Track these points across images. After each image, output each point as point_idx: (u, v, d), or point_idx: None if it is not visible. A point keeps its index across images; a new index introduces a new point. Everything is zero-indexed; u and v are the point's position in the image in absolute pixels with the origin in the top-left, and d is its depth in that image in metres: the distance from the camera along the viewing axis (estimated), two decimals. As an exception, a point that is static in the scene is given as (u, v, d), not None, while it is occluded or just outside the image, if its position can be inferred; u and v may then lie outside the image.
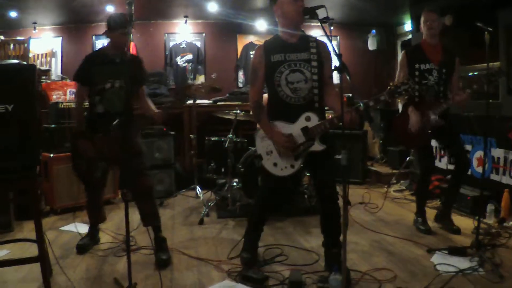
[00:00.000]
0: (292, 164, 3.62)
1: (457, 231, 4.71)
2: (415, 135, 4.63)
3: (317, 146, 3.54)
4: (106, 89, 4.14)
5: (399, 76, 4.71)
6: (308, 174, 5.73)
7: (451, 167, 5.68)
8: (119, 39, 4.13)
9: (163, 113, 4.19)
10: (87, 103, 4.29)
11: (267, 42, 3.75)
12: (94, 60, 4.23)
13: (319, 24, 3.13)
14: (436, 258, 4.01)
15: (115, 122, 3.76)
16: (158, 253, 4.07)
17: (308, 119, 3.54)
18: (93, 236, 4.57)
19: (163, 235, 4.24)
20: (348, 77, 2.89)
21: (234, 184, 5.72)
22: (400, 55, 9.25)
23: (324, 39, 3.53)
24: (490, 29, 4.04)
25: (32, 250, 4.10)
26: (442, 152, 6.37)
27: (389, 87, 3.41)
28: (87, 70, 4.17)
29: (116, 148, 3.85)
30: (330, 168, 3.65)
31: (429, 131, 4.65)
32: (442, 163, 6.36)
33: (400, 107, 9.21)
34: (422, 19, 4.75)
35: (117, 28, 4.09)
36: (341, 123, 3.24)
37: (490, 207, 5.08)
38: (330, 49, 3.50)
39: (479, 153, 5.59)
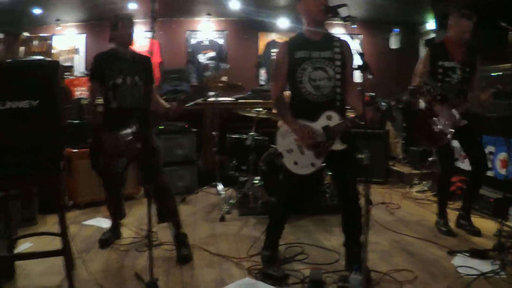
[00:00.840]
0: (313, 162, 3.60)
1: (477, 232, 4.65)
2: (437, 134, 4.57)
3: (338, 145, 3.53)
4: (117, 84, 4.16)
5: (421, 73, 4.68)
6: (329, 173, 5.71)
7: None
8: (122, 32, 4.18)
9: (177, 107, 4.15)
10: (101, 99, 4.31)
11: (291, 39, 3.76)
12: (104, 57, 4.27)
13: (340, 22, 3.13)
14: (457, 260, 3.97)
15: (130, 131, 3.96)
16: (179, 249, 4.10)
17: (329, 118, 3.53)
18: (115, 231, 4.61)
19: (184, 231, 4.26)
20: (370, 76, 2.89)
21: (256, 181, 5.72)
22: (422, 53, 9.30)
23: (347, 37, 3.54)
24: None
25: (55, 243, 4.15)
26: (464, 153, 6.29)
27: (411, 87, 3.39)
28: (98, 67, 4.22)
29: (134, 144, 3.94)
30: (351, 167, 3.64)
31: (452, 131, 4.56)
32: (466, 164, 6.27)
33: (422, 106, 9.19)
34: (456, 24, 4.58)
35: (117, 22, 4.17)
36: (362, 122, 3.25)
37: (513, 209, 5.02)
38: (352, 47, 3.50)
39: (502, 155, 5.51)
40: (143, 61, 4.35)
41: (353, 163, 3.66)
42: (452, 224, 4.86)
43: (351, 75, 3.68)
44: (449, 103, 4.55)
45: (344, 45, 3.63)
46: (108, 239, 4.49)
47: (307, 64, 3.57)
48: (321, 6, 3.45)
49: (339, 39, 3.66)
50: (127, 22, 4.23)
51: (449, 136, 4.57)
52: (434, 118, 4.59)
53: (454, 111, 4.52)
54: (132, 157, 4.18)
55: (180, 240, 4.18)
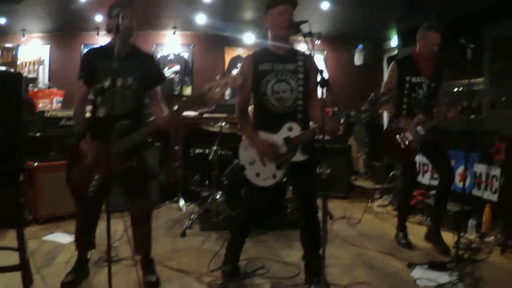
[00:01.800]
0: (274, 174, 3.63)
1: (447, 251, 4.56)
2: (404, 150, 4.59)
3: (299, 156, 3.57)
4: (105, 88, 3.58)
5: (388, 87, 4.65)
6: (291, 187, 5.74)
7: (434, 182, 5.73)
8: (120, 23, 3.41)
9: (168, 117, 3.54)
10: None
11: (255, 52, 3.83)
12: (94, 55, 3.71)
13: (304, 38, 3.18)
14: (416, 273, 4.03)
15: (117, 126, 3.47)
16: (146, 275, 3.77)
17: (290, 129, 3.58)
18: (81, 268, 3.89)
19: (152, 256, 3.96)
20: (329, 93, 2.95)
21: (218, 196, 5.72)
22: (386, 69, 9.44)
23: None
24: (472, 45, 4.11)
25: (14, 258, 4.07)
26: (425, 167, 6.39)
27: (370, 97, 3.42)
28: (87, 66, 3.68)
29: (117, 159, 3.41)
30: (311, 180, 3.68)
31: (418, 146, 4.58)
32: (426, 178, 6.39)
33: (385, 122, 9.31)
34: (424, 37, 4.61)
35: (113, 11, 3.58)
36: (322, 134, 3.29)
37: (471, 222, 5.13)
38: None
39: (461, 168, 5.63)
40: (142, 59, 3.79)
41: (313, 175, 3.70)
42: (412, 237, 4.92)
43: (315, 89, 3.73)
44: (416, 119, 4.53)
45: (308, 58, 3.68)
46: (73, 281, 3.74)
47: (271, 76, 3.63)
48: (284, 22, 3.52)
49: (303, 53, 3.72)
50: (127, 11, 3.55)
51: (416, 152, 4.65)
52: (401, 134, 4.59)
53: (419, 128, 4.49)
54: (113, 175, 3.45)
55: (148, 265, 3.87)
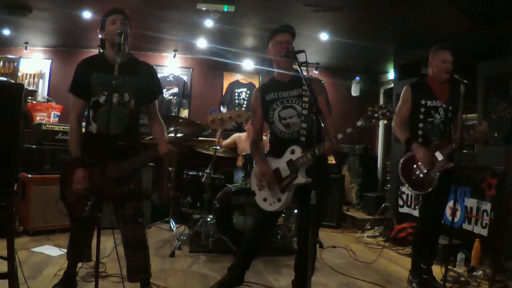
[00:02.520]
0: (278, 198, 3.71)
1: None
2: (422, 179, 4.28)
3: (301, 179, 3.61)
4: (99, 103, 3.38)
5: (402, 111, 4.45)
6: (283, 216, 5.77)
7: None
8: (111, 30, 3.35)
9: (172, 147, 3.37)
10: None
11: (263, 84, 4.02)
12: (88, 66, 3.47)
13: (310, 65, 3.25)
14: (404, 304, 4.04)
15: (113, 148, 3.25)
16: None
17: (292, 152, 3.66)
18: (69, 281, 3.78)
19: (151, 287, 3.75)
20: (322, 122, 3.01)
21: (209, 219, 5.73)
22: (382, 101, 9.51)
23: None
24: (465, 81, 4.10)
25: (2, 267, 4.08)
26: (416, 199, 6.38)
27: (366, 112, 3.34)
28: (81, 79, 3.44)
29: (114, 183, 3.30)
30: (314, 207, 3.68)
31: (438, 174, 4.21)
32: (418, 211, 6.39)
33: (379, 153, 9.37)
34: (435, 57, 4.38)
35: (105, 19, 3.41)
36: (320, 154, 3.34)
37: (460, 255, 5.11)
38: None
39: (451, 202, 5.62)
40: (140, 71, 3.52)
41: (318, 202, 3.70)
42: (402, 268, 4.90)
43: (327, 108, 3.71)
44: (433, 145, 4.29)
45: (314, 81, 3.67)
46: None
47: (277, 104, 3.75)
48: (282, 51, 3.62)
49: (309, 78, 3.73)
50: (118, 17, 3.35)
51: (435, 181, 4.24)
52: (418, 163, 4.31)
53: (438, 153, 4.23)
54: (106, 198, 3.39)
55: None
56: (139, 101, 3.50)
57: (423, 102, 4.35)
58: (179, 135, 3.63)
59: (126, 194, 3.41)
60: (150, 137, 3.81)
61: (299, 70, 3.23)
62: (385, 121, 4.43)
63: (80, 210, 3.26)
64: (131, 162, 3.38)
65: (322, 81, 3.69)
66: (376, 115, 3.34)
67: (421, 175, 4.28)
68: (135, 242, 3.54)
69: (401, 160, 4.47)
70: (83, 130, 3.56)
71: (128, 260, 3.57)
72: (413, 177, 4.35)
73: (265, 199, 3.79)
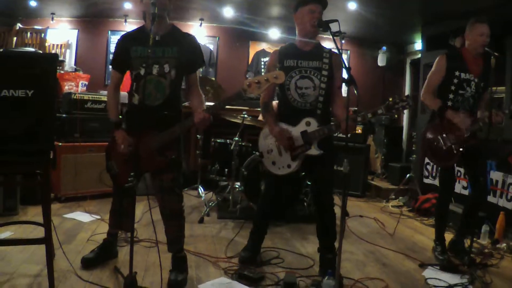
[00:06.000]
0: (289, 164, 3.80)
1: (471, 262, 4.18)
2: (445, 153, 4.33)
3: (314, 151, 3.71)
4: (140, 75, 3.41)
5: (433, 80, 4.44)
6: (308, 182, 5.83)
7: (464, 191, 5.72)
8: (147, 1, 3.26)
9: (209, 116, 3.33)
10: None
11: (282, 47, 3.96)
12: (127, 40, 3.53)
13: (331, 36, 3.26)
14: (428, 273, 4.10)
15: (153, 118, 3.30)
16: (173, 272, 3.57)
17: (308, 124, 3.73)
18: (106, 248, 3.93)
19: (184, 254, 3.74)
20: (355, 91, 3.02)
21: (236, 186, 5.84)
22: (409, 72, 9.45)
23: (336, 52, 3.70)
24: (496, 54, 4.04)
25: (35, 234, 4.23)
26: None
27: (387, 102, 3.49)
28: (120, 53, 3.55)
29: (154, 153, 3.36)
30: (327, 176, 3.84)
31: (461, 150, 4.27)
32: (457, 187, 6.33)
33: (405, 124, 9.34)
34: (474, 31, 4.30)
35: None
36: (340, 133, 3.38)
37: (485, 228, 5.17)
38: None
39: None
40: (181, 42, 3.49)
41: (330, 171, 3.84)
42: (426, 239, 4.94)
43: (340, 87, 3.86)
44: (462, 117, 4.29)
45: (333, 56, 3.80)
46: (94, 258, 3.82)
47: (295, 72, 3.77)
48: (314, 20, 3.63)
49: (329, 51, 3.84)
50: None
51: (458, 155, 4.29)
52: (443, 135, 4.36)
53: (465, 129, 4.24)
54: (146, 169, 3.50)
55: (177, 262, 3.67)
56: (180, 72, 3.49)
57: (457, 73, 4.33)
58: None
59: (165, 164, 3.42)
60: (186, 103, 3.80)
61: (333, 40, 3.22)
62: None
63: (123, 180, 3.21)
64: (171, 132, 3.37)
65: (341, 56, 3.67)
66: (397, 106, 3.46)
67: (445, 148, 4.33)
68: (172, 213, 3.61)
69: (426, 131, 4.54)
70: (128, 102, 3.62)
71: (166, 230, 3.67)
72: (436, 148, 4.40)
73: (273, 162, 3.88)
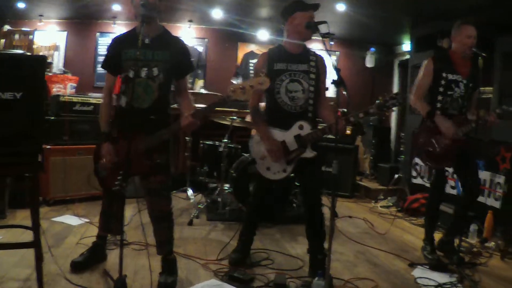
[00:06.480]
0: (284, 168, 3.81)
1: (460, 261, 4.24)
2: (438, 155, 4.34)
3: (308, 153, 3.73)
4: (129, 78, 3.35)
5: (422, 84, 4.42)
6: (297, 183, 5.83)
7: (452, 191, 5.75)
8: (137, 2, 3.27)
9: (195, 121, 3.31)
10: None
11: (270, 50, 3.95)
12: (118, 43, 3.54)
13: (319, 38, 3.28)
14: (417, 272, 4.12)
15: (141, 121, 3.29)
16: (163, 275, 3.56)
17: (301, 127, 3.74)
18: (96, 251, 3.92)
19: (173, 256, 3.73)
20: (345, 92, 3.04)
21: (226, 188, 5.84)
22: (397, 73, 9.50)
23: (323, 53, 3.73)
24: (484, 54, 4.07)
25: (24, 237, 4.20)
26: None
27: (378, 100, 3.50)
28: (111, 55, 3.54)
29: (142, 156, 3.32)
30: (316, 176, 3.85)
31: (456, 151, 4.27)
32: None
33: (393, 125, 9.39)
34: (459, 32, 4.33)
35: None
36: (332, 134, 3.40)
37: (473, 227, 5.21)
38: (329, 63, 3.63)
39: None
40: (171, 46, 3.49)
41: (318, 172, 3.87)
42: (415, 238, 4.97)
43: (324, 89, 3.90)
44: (451, 119, 4.28)
45: (319, 60, 3.86)
46: (84, 262, 3.80)
47: (285, 75, 3.78)
48: (306, 21, 3.64)
49: (315, 54, 3.88)
50: None
51: (454, 157, 4.29)
52: (436, 137, 4.35)
53: (457, 130, 4.23)
54: (133, 173, 3.37)
55: (167, 265, 3.66)
56: (169, 76, 3.48)
57: (444, 75, 4.33)
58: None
59: (153, 167, 3.41)
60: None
61: (323, 42, 3.22)
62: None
63: (111, 184, 3.14)
64: (159, 135, 3.36)
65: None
66: (387, 104, 3.46)
67: (438, 150, 4.33)
68: (161, 215, 3.61)
69: (419, 134, 4.53)
70: (115, 104, 3.61)
71: (155, 232, 3.65)
72: (430, 150, 4.39)
73: (268, 168, 3.86)
